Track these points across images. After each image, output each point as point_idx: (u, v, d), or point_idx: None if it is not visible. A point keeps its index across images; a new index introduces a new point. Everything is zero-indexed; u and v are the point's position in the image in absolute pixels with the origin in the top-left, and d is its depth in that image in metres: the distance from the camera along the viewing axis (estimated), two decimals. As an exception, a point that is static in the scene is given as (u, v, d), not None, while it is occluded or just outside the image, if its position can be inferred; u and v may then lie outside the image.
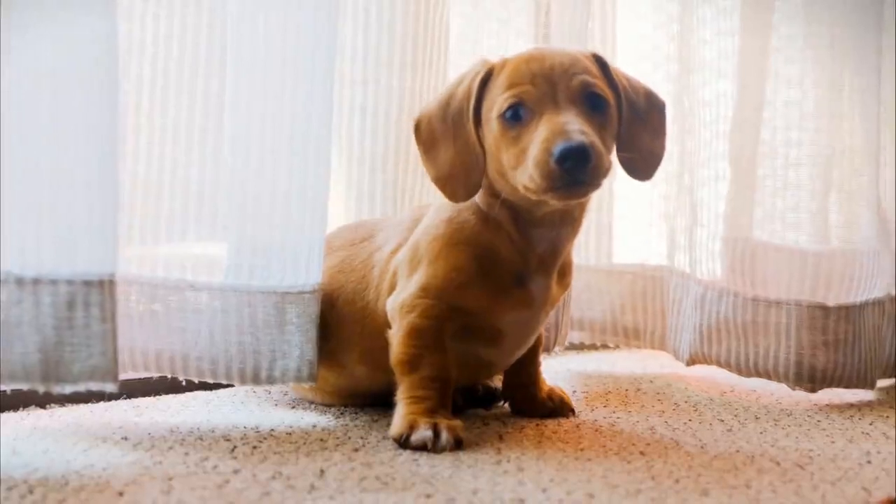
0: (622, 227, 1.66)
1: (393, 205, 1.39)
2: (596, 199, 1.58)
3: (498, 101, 1.06)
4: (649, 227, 1.64)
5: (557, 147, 0.99)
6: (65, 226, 0.98)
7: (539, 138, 1.01)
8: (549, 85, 1.04)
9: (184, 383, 1.21)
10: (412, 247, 1.14)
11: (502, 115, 1.05)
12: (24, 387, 0.98)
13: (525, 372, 1.24)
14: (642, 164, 1.13)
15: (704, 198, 1.48)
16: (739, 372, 1.43)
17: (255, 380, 1.15)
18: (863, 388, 1.41)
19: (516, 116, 1.05)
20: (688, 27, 1.51)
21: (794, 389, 1.41)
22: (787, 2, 1.45)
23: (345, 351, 1.18)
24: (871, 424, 1.24)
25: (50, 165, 0.98)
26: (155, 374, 1.16)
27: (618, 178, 1.63)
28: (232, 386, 1.30)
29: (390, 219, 1.27)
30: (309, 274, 1.15)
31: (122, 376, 1.25)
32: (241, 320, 1.14)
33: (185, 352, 1.14)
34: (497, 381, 1.29)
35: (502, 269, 1.10)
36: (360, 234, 1.24)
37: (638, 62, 1.63)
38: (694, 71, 1.50)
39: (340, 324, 1.18)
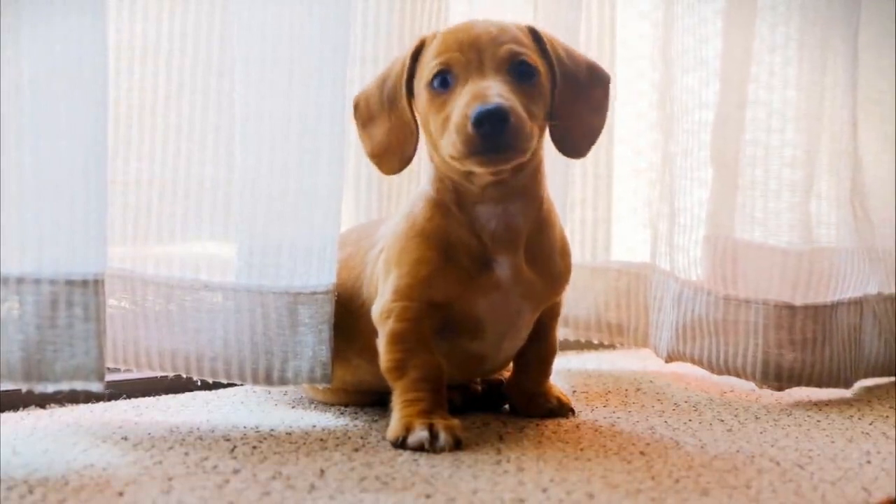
0: (614, 225, 1.65)
1: (379, 203, 1.40)
2: (580, 196, 1.60)
3: (426, 69, 1.07)
4: (637, 226, 1.64)
5: (474, 111, 0.99)
6: (49, 225, 0.98)
7: (460, 103, 1.02)
8: (475, 52, 1.05)
9: (184, 380, 1.21)
10: (384, 250, 1.14)
11: (430, 83, 1.07)
12: (7, 385, 0.99)
13: (530, 375, 1.23)
14: (577, 139, 1.14)
15: (684, 196, 1.48)
16: (711, 370, 1.43)
17: (268, 380, 1.15)
18: (836, 387, 1.41)
19: (444, 84, 1.06)
20: (671, 29, 1.50)
21: (760, 388, 1.41)
22: (771, 3, 1.45)
23: (347, 343, 1.18)
24: (871, 424, 1.24)
25: (35, 165, 0.97)
26: (171, 374, 1.17)
27: (615, 178, 1.65)
28: (233, 385, 1.30)
29: (389, 218, 1.27)
30: (321, 274, 1.15)
31: (124, 376, 1.27)
32: (254, 321, 1.14)
33: (199, 352, 1.15)
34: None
35: (461, 254, 1.10)
36: (367, 231, 1.25)
37: (635, 60, 1.63)
38: (678, 71, 1.49)
39: (344, 317, 1.18)
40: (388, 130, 1.12)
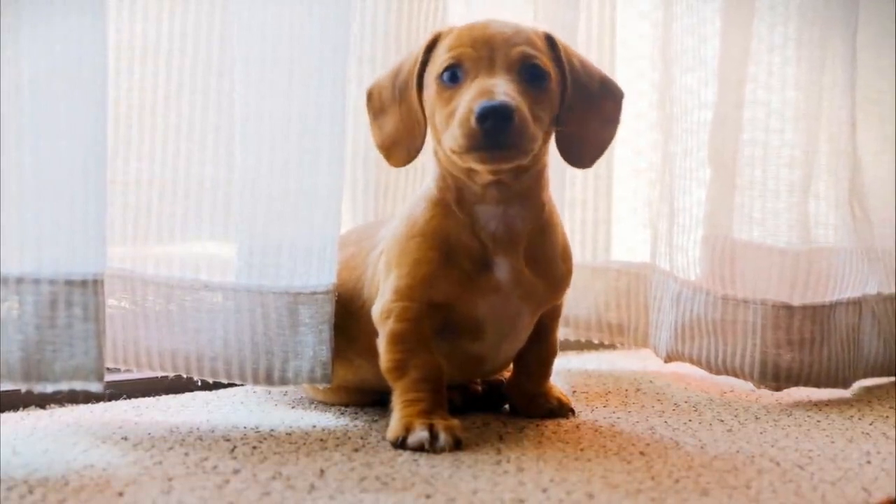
0: (614, 225, 1.66)
1: (375, 203, 1.40)
2: (580, 196, 1.61)
3: (438, 62, 1.08)
4: (637, 226, 1.65)
5: (479, 105, 1.00)
6: (49, 225, 0.98)
7: (466, 98, 1.03)
8: (488, 50, 1.06)
9: (184, 380, 1.21)
10: (385, 251, 1.14)
11: (440, 76, 1.07)
12: (7, 385, 0.98)
13: (530, 376, 1.23)
14: (583, 149, 1.14)
15: (684, 196, 1.48)
16: (710, 370, 1.43)
17: (269, 380, 1.15)
18: (834, 387, 1.41)
19: (453, 78, 1.06)
20: (670, 29, 1.50)
21: (758, 388, 1.41)
22: (770, 3, 1.45)
23: (349, 343, 1.18)
24: (871, 424, 1.24)
25: (35, 165, 0.97)
26: (171, 374, 1.17)
27: (615, 178, 1.65)
28: (233, 385, 1.30)
29: (391, 219, 1.27)
30: (322, 274, 1.15)
31: (124, 376, 1.27)
32: (255, 321, 1.14)
33: (199, 352, 1.15)
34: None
35: (461, 254, 1.10)
36: (368, 232, 1.25)
37: (635, 60, 1.63)
38: (677, 71, 1.49)
39: (345, 317, 1.18)
40: (398, 122, 1.13)
